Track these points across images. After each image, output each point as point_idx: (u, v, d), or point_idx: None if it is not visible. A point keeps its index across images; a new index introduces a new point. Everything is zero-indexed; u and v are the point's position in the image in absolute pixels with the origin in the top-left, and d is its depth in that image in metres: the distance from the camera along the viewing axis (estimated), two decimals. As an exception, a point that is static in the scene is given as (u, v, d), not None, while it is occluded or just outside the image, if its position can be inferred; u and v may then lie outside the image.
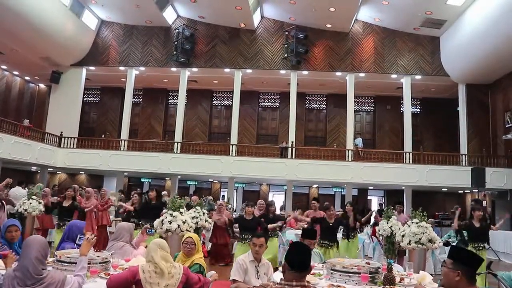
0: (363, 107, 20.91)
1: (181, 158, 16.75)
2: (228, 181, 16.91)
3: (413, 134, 17.55)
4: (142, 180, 20.67)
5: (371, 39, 17.81)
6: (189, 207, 8.41)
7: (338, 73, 17.89)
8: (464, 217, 8.87)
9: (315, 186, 19.82)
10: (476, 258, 2.47)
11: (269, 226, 7.14)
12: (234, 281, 3.84)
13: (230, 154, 16.84)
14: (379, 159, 16.95)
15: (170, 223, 6.19)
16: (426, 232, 6.05)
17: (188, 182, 20.12)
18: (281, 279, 2.43)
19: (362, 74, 17.77)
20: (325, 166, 16.22)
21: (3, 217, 7.07)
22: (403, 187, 16.35)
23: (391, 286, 3.46)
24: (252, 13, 16.90)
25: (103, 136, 18.63)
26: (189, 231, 6.16)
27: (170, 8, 17.68)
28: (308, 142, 20.20)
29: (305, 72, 17.90)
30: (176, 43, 17.86)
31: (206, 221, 7.76)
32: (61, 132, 17.29)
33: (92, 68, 19.03)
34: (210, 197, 14.90)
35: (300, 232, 5.79)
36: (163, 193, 11.97)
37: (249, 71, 18.17)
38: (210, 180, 19.99)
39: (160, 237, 6.11)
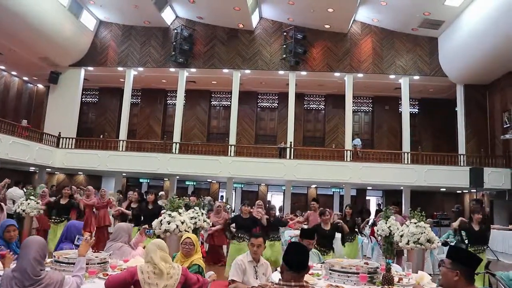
0: (362, 108, 20.93)
1: (180, 158, 16.73)
2: (227, 182, 16.91)
3: (411, 135, 17.58)
4: (141, 180, 20.66)
5: (369, 39, 17.83)
6: (187, 207, 8.41)
7: (337, 74, 17.91)
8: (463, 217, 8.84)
9: (313, 186, 19.83)
10: (475, 258, 2.47)
11: (264, 220, 7.05)
12: (233, 281, 3.84)
13: (229, 154, 16.83)
14: (377, 159, 16.97)
15: (168, 224, 6.19)
16: (424, 232, 6.06)
17: (187, 183, 20.12)
18: (279, 279, 2.43)
19: (360, 75, 17.79)
20: (324, 166, 16.23)
21: (2, 218, 7.06)
22: (402, 187, 16.37)
23: (390, 286, 3.47)
24: (250, 13, 16.90)
25: (101, 136, 18.60)
26: (188, 232, 6.15)
27: (168, 8, 17.66)
28: (306, 143, 20.20)
29: (303, 73, 17.91)
30: (174, 43, 17.85)
31: (204, 221, 7.75)
32: (59, 133, 17.26)
33: (90, 68, 19.00)
34: (210, 198, 14.90)
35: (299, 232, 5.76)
36: (160, 193, 11.97)
37: (247, 71, 18.17)
38: (208, 180, 19.99)
39: (158, 237, 6.11)
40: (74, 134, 18.17)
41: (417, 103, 20.39)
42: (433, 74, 17.33)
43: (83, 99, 20.29)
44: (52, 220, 8.32)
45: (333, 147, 19.10)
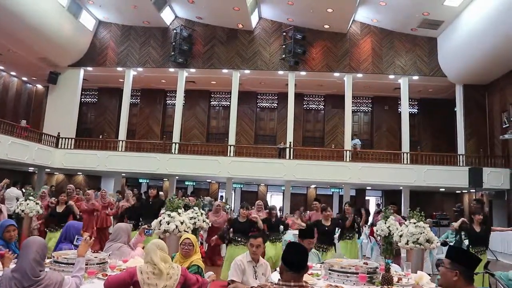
0: (361, 108, 20.94)
1: (179, 158, 16.72)
2: (226, 182, 16.90)
3: (410, 135, 17.59)
4: (140, 181, 20.64)
5: (368, 40, 17.84)
6: (187, 207, 8.41)
7: (336, 74, 17.91)
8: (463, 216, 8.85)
9: (313, 186, 19.84)
10: (474, 258, 2.47)
11: (260, 223, 7.05)
12: (232, 281, 3.84)
13: (228, 154, 16.83)
14: (376, 159, 16.97)
15: (168, 224, 6.18)
16: (423, 232, 6.06)
17: (186, 183, 20.11)
18: (278, 279, 2.43)
19: (360, 75, 17.80)
20: (323, 166, 16.23)
21: (1, 218, 7.06)
22: (401, 187, 16.37)
23: (389, 286, 3.47)
24: (250, 14, 16.90)
25: (100, 136, 18.59)
26: (187, 232, 6.15)
27: (168, 8, 17.66)
28: (306, 143, 20.21)
29: (303, 73, 17.91)
30: (174, 43, 17.85)
31: (204, 221, 7.76)
32: (59, 133, 17.25)
33: (89, 68, 18.99)
34: (209, 198, 14.90)
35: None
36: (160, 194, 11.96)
37: (247, 71, 18.17)
38: (208, 180, 19.98)
39: (158, 237, 6.10)
40: (73, 134, 18.15)
41: (416, 103, 20.41)
42: (432, 74, 17.35)
43: (82, 99, 20.28)
44: (49, 230, 7.79)
45: (333, 147, 19.11)
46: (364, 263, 3.82)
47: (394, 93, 18.94)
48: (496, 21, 13.15)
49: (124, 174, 18.36)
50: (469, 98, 17.11)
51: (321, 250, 6.27)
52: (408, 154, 16.68)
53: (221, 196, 18.12)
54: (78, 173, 19.74)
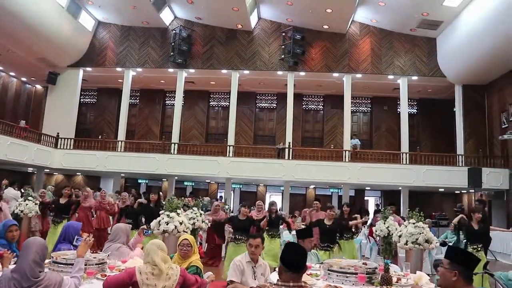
0: (360, 108, 20.95)
1: (178, 159, 16.72)
2: (225, 182, 16.90)
3: (410, 135, 17.60)
4: (139, 181, 20.63)
5: (368, 40, 17.85)
6: (186, 207, 8.41)
7: (335, 74, 17.92)
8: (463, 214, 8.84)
9: (312, 186, 19.84)
10: (473, 258, 2.47)
11: (263, 223, 7.07)
12: (231, 282, 3.83)
13: (227, 155, 16.82)
14: (376, 159, 16.98)
15: (167, 224, 6.18)
16: (423, 233, 6.06)
17: (185, 183, 20.10)
18: (277, 279, 2.43)
19: (359, 75, 17.81)
20: (322, 166, 16.23)
21: (1, 217, 7.05)
22: (400, 188, 16.38)
23: (388, 287, 3.47)
24: (249, 14, 16.91)
25: (100, 137, 18.59)
26: (186, 232, 6.15)
27: (167, 9, 17.66)
28: (305, 143, 20.21)
29: (302, 73, 17.92)
30: (173, 44, 17.85)
31: (203, 222, 7.75)
32: (58, 133, 17.23)
33: (89, 69, 18.98)
34: (209, 198, 14.90)
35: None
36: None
37: (246, 72, 18.17)
38: (207, 181, 19.98)
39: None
40: (72, 134, 18.14)
41: (415, 103, 20.43)
42: (431, 75, 17.36)
43: (81, 99, 20.27)
44: (51, 221, 8.30)
45: (332, 147, 19.11)
46: (363, 263, 3.82)
47: (393, 93, 18.95)
48: (495, 21, 13.16)
49: (123, 175, 18.35)
50: (468, 98, 17.12)
51: (324, 249, 6.27)
52: (407, 154, 16.69)
53: (220, 197, 18.13)
54: (77, 173, 19.73)
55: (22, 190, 11.09)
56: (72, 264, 3.25)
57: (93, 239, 3.41)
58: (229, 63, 18.10)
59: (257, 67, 18.01)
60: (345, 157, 16.79)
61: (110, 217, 9.53)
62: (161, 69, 18.60)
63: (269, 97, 21.20)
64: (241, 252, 4.66)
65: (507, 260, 11.46)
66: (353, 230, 7.78)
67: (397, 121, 18.74)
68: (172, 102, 20.54)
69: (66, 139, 17.37)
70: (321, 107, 21.06)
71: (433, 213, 16.13)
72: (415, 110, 20.45)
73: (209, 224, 8.25)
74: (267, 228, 7.18)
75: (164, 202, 7.52)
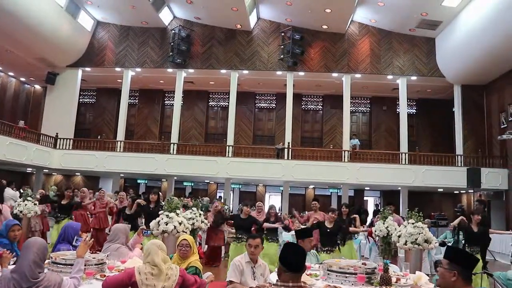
0: (359, 108, 20.96)
1: (178, 159, 16.71)
2: (225, 182, 16.89)
3: (409, 135, 17.61)
4: (138, 181, 20.62)
5: (367, 40, 17.86)
6: (185, 207, 8.40)
7: (334, 74, 17.93)
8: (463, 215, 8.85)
9: (311, 187, 19.84)
10: (472, 258, 2.48)
11: (265, 224, 7.08)
12: (231, 282, 3.83)
13: (227, 155, 16.82)
14: (375, 159, 16.99)
15: (166, 224, 6.18)
16: (422, 233, 6.06)
17: (185, 183, 20.09)
18: (277, 280, 2.43)
19: (358, 75, 17.81)
20: (322, 167, 16.24)
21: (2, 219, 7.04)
22: (399, 188, 16.39)
23: (388, 287, 3.47)
24: (248, 14, 16.90)
25: (99, 137, 18.58)
26: (185, 232, 6.15)
27: (166, 9, 17.64)
28: (304, 143, 20.22)
29: (301, 73, 17.92)
30: (172, 44, 17.85)
31: (202, 222, 7.75)
32: (57, 133, 17.22)
33: (88, 69, 18.96)
34: (208, 198, 14.88)
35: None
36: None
37: (245, 72, 18.17)
38: (206, 181, 19.97)
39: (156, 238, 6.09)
40: (71, 135, 18.13)
41: (414, 103, 20.45)
42: (430, 75, 17.37)
43: (80, 99, 20.23)
44: (54, 220, 8.51)
45: (331, 147, 19.11)
46: (362, 263, 3.82)
47: (392, 93, 18.96)
48: (495, 21, 13.17)
49: (122, 175, 18.34)
50: (467, 99, 17.14)
51: (324, 252, 6.27)
52: (407, 154, 16.69)
53: (220, 197, 18.13)
54: (76, 173, 19.71)
55: (21, 191, 11.08)
56: (71, 265, 3.24)
57: (92, 239, 3.41)
58: (228, 63, 18.10)
59: (256, 67, 18.01)
60: (344, 157, 16.79)
61: (109, 217, 9.52)
62: (160, 69, 18.58)
63: (268, 97, 21.20)
64: (243, 251, 4.66)
65: (506, 260, 11.47)
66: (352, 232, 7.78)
67: (396, 121, 18.75)
68: (171, 102, 20.52)
69: (65, 139, 17.36)
70: (320, 107, 21.06)
71: (432, 213, 16.17)
72: (414, 110, 20.47)
73: (208, 224, 8.25)
74: (265, 232, 7.16)
75: (163, 203, 7.52)
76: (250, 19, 17.41)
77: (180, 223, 6.23)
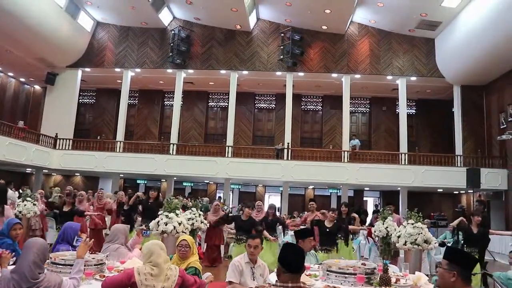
0: (359, 109, 20.96)
1: (177, 159, 16.71)
2: (224, 183, 16.89)
3: (408, 135, 17.62)
4: (138, 181, 20.61)
5: (366, 40, 17.86)
6: (185, 208, 8.40)
7: (334, 75, 17.93)
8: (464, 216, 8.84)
9: (311, 187, 19.85)
10: (472, 258, 2.48)
11: (265, 233, 7.04)
12: (230, 282, 3.83)
13: (226, 155, 16.82)
14: (374, 160, 16.99)
15: (166, 225, 6.17)
16: (421, 233, 6.06)
17: (184, 184, 20.09)
18: (276, 280, 2.43)
19: (357, 76, 17.82)
20: (321, 167, 16.24)
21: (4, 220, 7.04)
22: (399, 188, 16.39)
23: (387, 287, 3.47)
24: (248, 14, 16.90)
25: (98, 137, 18.57)
26: (185, 233, 6.15)
27: (165, 9, 17.64)
28: (304, 143, 20.22)
29: (301, 74, 17.93)
30: (172, 44, 17.85)
31: (202, 222, 7.75)
32: (56, 134, 17.21)
33: (87, 69, 18.96)
34: (207, 199, 14.88)
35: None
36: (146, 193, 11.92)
37: (245, 72, 18.18)
38: (206, 181, 19.97)
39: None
40: (71, 135, 18.12)
41: (414, 104, 20.46)
42: (430, 75, 17.38)
43: (80, 100, 20.22)
44: (56, 228, 8.33)
45: (331, 148, 19.11)
46: (362, 264, 3.82)
47: (392, 94, 18.97)
48: (495, 21, 13.17)
49: (122, 175, 18.33)
50: (467, 99, 17.15)
51: (322, 251, 6.27)
52: (406, 154, 16.70)
53: (219, 197, 18.12)
54: (75, 174, 19.70)
55: (20, 191, 11.07)
56: (70, 265, 3.24)
57: (93, 240, 3.41)
58: (228, 63, 18.10)
59: (256, 68, 18.01)
60: (344, 157, 16.79)
61: (106, 218, 9.52)
62: (160, 70, 18.58)
63: (268, 98, 21.20)
64: (244, 252, 4.66)
65: (506, 260, 11.47)
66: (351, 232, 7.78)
67: (396, 122, 18.76)
68: (171, 102, 20.52)
69: (64, 140, 17.36)
70: (320, 107, 21.07)
71: (432, 214, 16.18)
72: (414, 111, 20.48)
73: (208, 224, 8.25)
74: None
75: (163, 201, 7.54)
76: (249, 19, 17.42)
77: (179, 224, 6.24)
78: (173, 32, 18.02)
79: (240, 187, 20.22)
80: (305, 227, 7.71)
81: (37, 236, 5.57)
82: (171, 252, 4.21)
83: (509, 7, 12.34)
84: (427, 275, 4.36)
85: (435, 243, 6.37)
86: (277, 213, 10.15)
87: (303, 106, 20.98)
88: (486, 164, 15.79)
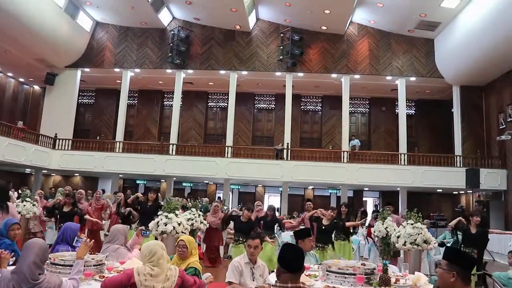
0: (358, 109, 20.97)
1: (177, 160, 16.71)
2: (224, 183, 16.89)
3: (408, 136, 17.63)
4: (138, 182, 20.59)
5: (366, 41, 17.87)
6: (184, 208, 8.39)
7: (333, 75, 17.94)
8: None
9: (310, 187, 19.84)
10: (471, 259, 2.48)
11: (266, 238, 7.01)
12: (230, 283, 3.82)
13: (226, 155, 16.82)
14: (374, 160, 16.99)
15: (165, 225, 6.17)
16: (421, 233, 6.06)
17: (184, 184, 20.08)
18: (276, 281, 2.43)
19: (357, 76, 17.82)
20: (321, 167, 16.25)
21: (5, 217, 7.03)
22: (398, 188, 16.40)
23: (387, 287, 3.47)
24: (247, 15, 16.91)
25: (98, 138, 18.56)
26: (184, 233, 6.14)
27: (165, 9, 17.65)
28: (303, 144, 20.22)
29: (300, 74, 17.93)
30: (171, 44, 17.85)
31: (201, 222, 7.75)
32: (56, 134, 17.20)
33: (87, 69, 18.95)
34: (207, 199, 14.87)
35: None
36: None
37: (244, 73, 18.18)
38: (205, 182, 19.96)
39: (156, 238, 6.09)
40: (70, 135, 18.12)
41: (413, 104, 20.47)
42: (429, 76, 17.39)
43: (79, 100, 20.21)
44: (56, 228, 8.32)
45: (330, 148, 19.12)
46: (361, 264, 3.82)
47: (391, 94, 18.98)
48: (494, 21, 13.18)
49: (121, 175, 18.32)
50: (466, 99, 17.17)
51: (318, 249, 6.27)
52: (406, 155, 16.70)
53: (219, 198, 18.12)
54: (75, 174, 19.69)
55: (20, 191, 11.04)
56: (70, 266, 3.24)
57: (93, 240, 3.41)
58: (227, 64, 18.11)
59: (256, 68, 18.01)
60: (343, 158, 16.80)
61: (104, 221, 9.48)
62: (159, 70, 18.59)
63: (268, 98, 21.20)
64: (243, 253, 4.66)
65: (505, 260, 11.47)
66: (351, 230, 7.79)
67: (395, 122, 18.76)
68: (170, 103, 20.51)
69: (64, 140, 17.34)
70: (320, 108, 21.08)
71: (432, 214, 16.16)
72: (413, 111, 20.49)
73: (207, 225, 8.25)
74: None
75: (162, 203, 7.52)
76: (249, 20, 17.43)
77: (179, 224, 6.23)
78: (172, 32, 18.02)
79: (239, 187, 20.22)
80: (304, 227, 7.70)
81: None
82: (170, 253, 4.21)
83: (508, 7, 12.35)
84: (426, 275, 4.36)
85: (435, 243, 6.36)
86: (277, 214, 10.15)
87: (302, 107, 20.99)
88: (486, 164, 15.80)
